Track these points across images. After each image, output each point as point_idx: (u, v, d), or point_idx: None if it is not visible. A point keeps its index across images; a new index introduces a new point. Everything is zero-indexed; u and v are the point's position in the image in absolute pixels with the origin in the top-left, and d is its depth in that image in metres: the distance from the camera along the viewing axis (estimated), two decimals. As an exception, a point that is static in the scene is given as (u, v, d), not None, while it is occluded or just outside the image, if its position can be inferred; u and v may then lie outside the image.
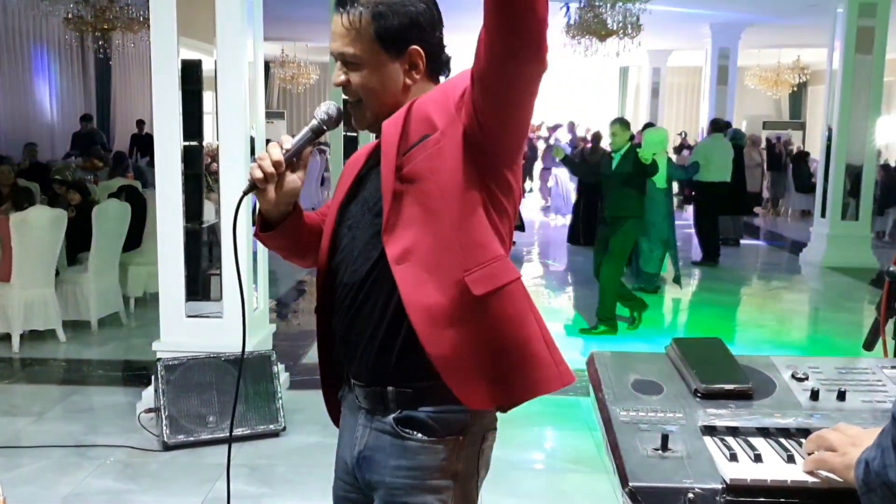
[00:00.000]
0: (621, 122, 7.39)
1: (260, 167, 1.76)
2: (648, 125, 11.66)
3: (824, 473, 1.28)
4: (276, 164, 1.76)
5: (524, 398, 1.74)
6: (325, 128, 1.82)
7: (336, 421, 2.00)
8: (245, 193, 1.81)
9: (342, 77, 1.80)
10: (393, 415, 1.76)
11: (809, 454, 1.33)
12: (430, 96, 1.76)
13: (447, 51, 1.85)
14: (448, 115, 1.70)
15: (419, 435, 1.74)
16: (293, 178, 1.81)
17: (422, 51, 1.76)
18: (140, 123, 15.69)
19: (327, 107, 1.82)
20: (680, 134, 21.40)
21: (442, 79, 1.86)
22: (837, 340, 7.39)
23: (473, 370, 1.71)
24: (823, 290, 10.02)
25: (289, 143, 1.79)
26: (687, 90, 24.68)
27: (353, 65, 1.77)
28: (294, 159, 1.79)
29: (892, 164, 15.47)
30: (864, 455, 1.19)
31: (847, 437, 1.29)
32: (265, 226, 1.89)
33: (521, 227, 11.91)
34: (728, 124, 12.45)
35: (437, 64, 1.82)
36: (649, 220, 8.34)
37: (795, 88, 21.43)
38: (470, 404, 1.72)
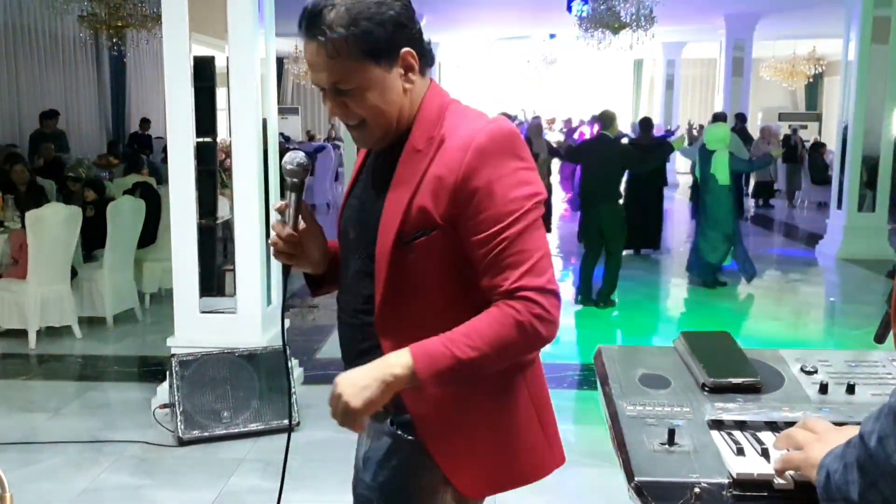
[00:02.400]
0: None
1: (280, 252, 1.81)
2: (718, 116, 11.60)
3: (790, 473, 1.27)
4: (289, 238, 1.78)
5: (513, 485, 1.78)
6: (299, 180, 1.79)
7: None
8: (286, 275, 1.87)
9: (339, 109, 1.70)
10: (391, 417, 1.77)
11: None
12: (433, 172, 1.65)
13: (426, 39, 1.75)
14: (441, 208, 1.64)
15: (411, 438, 1.76)
16: (308, 232, 1.83)
17: (413, 50, 1.68)
18: (144, 122, 15.71)
19: (291, 160, 1.79)
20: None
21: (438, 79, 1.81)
22: (853, 333, 7.34)
23: (461, 454, 1.74)
24: (840, 283, 9.95)
25: (283, 209, 1.80)
26: (702, 82, 24.56)
27: (346, 92, 1.66)
28: (298, 220, 1.80)
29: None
30: (827, 463, 1.18)
31: (812, 435, 1.27)
32: (314, 282, 1.96)
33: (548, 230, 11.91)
34: (725, 116, 12.38)
35: (426, 58, 1.72)
36: (712, 215, 8.43)
37: (811, 79, 21.30)
38: (459, 487, 1.75)
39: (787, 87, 22.13)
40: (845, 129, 10.93)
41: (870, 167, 10.78)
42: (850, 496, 1.12)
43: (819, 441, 1.24)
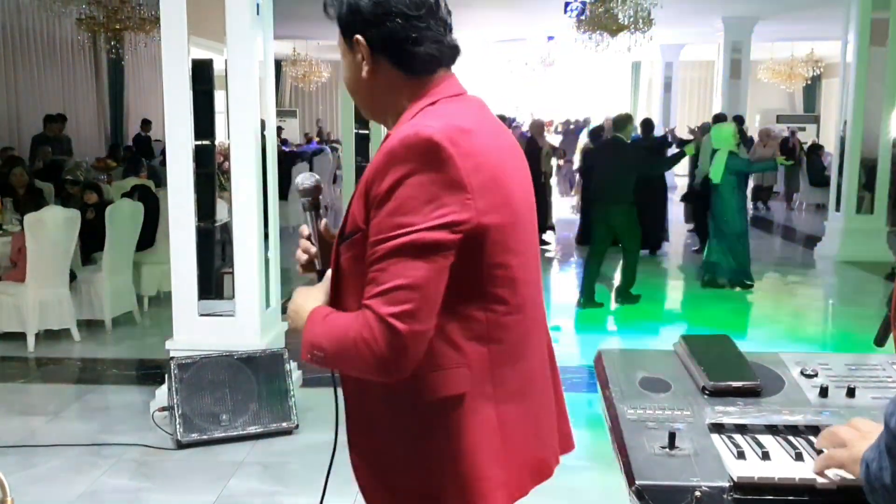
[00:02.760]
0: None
1: (308, 269, 1.86)
2: (717, 118, 11.63)
3: (833, 472, 1.27)
4: (316, 256, 1.83)
5: None
6: (311, 199, 1.84)
7: None
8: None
9: None
10: None
11: (820, 452, 1.32)
12: (365, 176, 1.61)
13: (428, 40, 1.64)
14: (362, 210, 1.60)
15: None
16: (328, 245, 1.82)
17: (363, 40, 1.63)
18: (145, 124, 15.69)
19: (301, 182, 1.83)
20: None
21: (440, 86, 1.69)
22: (853, 335, 7.34)
23: (395, 487, 1.69)
24: (838, 285, 9.96)
25: (306, 232, 1.85)
26: (700, 84, 24.57)
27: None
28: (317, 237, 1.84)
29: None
30: (866, 454, 1.18)
31: (857, 432, 1.26)
32: None
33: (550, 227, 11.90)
34: (725, 117, 12.38)
35: (401, 56, 1.63)
36: (718, 215, 8.58)
37: (809, 81, 21.30)
38: None
39: (785, 89, 22.13)
40: (844, 131, 10.94)
41: (868, 169, 10.79)
42: (885, 482, 1.12)
43: (863, 438, 1.23)
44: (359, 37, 1.63)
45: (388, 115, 1.71)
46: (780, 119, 21.87)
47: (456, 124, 1.55)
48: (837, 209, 11.07)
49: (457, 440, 1.59)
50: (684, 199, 12.74)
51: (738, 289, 8.80)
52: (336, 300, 1.69)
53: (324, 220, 1.84)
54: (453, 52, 1.69)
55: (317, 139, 21.08)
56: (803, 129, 20.90)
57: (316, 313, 1.62)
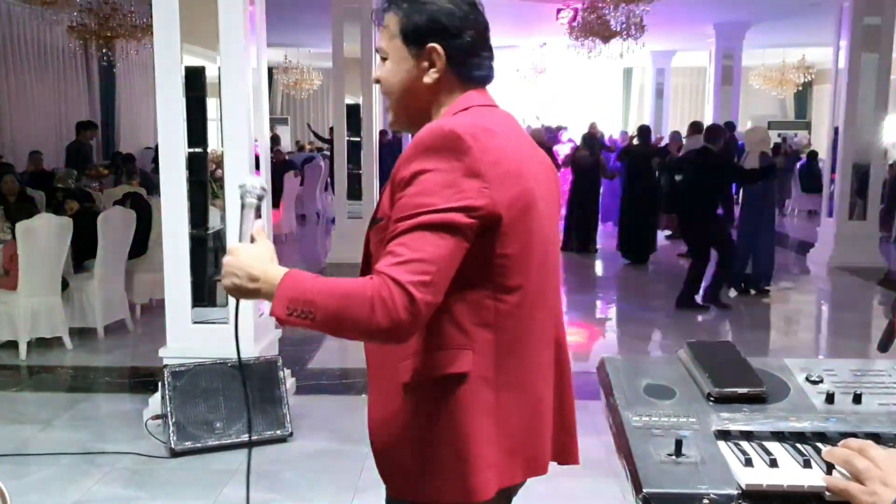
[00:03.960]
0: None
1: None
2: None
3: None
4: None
5: (444, 499, 1.72)
6: (258, 203, 1.85)
7: None
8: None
9: (376, 72, 1.83)
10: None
11: (828, 465, 1.28)
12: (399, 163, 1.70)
13: (485, 58, 1.80)
14: (389, 197, 1.69)
15: None
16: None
17: (440, 49, 1.73)
18: (84, 128, 15.54)
19: (255, 185, 1.85)
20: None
21: (481, 92, 1.81)
22: (847, 342, 7.35)
23: (396, 454, 1.76)
24: (831, 291, 9.98)
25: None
26: (691, 91, 24.64)
27: (383, 59, 1.80)
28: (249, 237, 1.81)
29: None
30: None
31: (877, 471, 1.20)
32: None
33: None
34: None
35: (465, 68, 1.77)
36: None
37: (800, 88, 21.39)
38: (389, 489, 1.80)
39: (776, 95, 22.23)
40: (835, 137, 10.96)
41: (860, 175, 10.82)
42: None
43: (885, 485, 1.18)
44: (436, 46, 1.73)
45: (424, 121, 1.77)
46: (771, 125, 21.94)
47: (480, 124, 1.68)
48: (830, 215, 11.10)
49: (455, 416, 1.68)
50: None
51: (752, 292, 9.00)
52: None
53: (260, 222, 1.84)
54: (493, 70, 1.84)
55: (308, 146, 21.02)
56: (795, 136, 20.96)
57: (296, 273, 1.61)
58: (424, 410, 1.70)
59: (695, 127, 11.72)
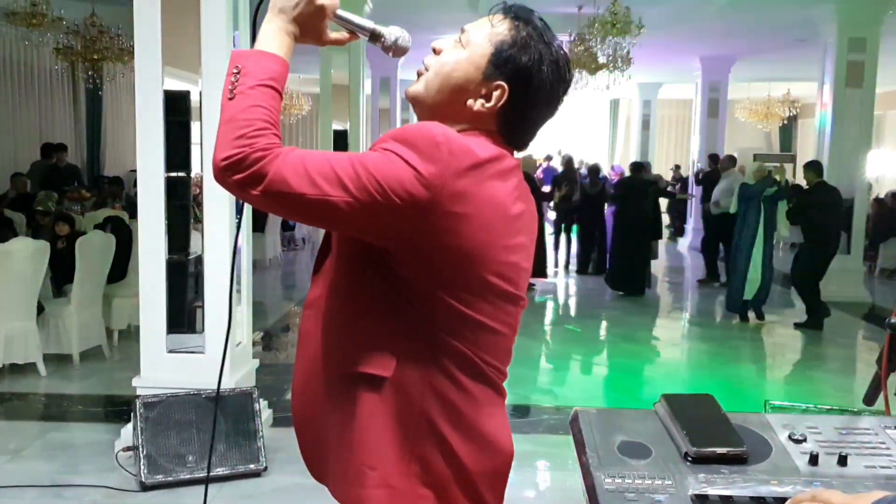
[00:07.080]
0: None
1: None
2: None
3: None
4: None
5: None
6: (377, 36, 1.72)
7: None
8: None
9: (440, 45, 1.67)
10: None
11: None
12: None
13: (529, 134, 1.68)
14: None
15: None
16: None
17: (507, 92, 1.60)
18: (55, 150, 15.45)
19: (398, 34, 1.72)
20: (672, 168, 21.36)
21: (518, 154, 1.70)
22: (832, 378, 7.31)
23: (317, 447, 1.76)
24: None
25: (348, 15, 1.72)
26: (677, 123, 24.75)
27: (458, 43, 1.64)
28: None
29: (883, 197, 15.46)
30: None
31: (846, 496, 1.15)
32: None
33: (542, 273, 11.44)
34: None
35: (508, 126, 1.64)
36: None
37: (786, 121, 21.51)
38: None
39: (762, 128, 22.33)
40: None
41: (844, 210, 10.82)
42: None
43: (856, 499, 1.14)
44: (504, 85, 1.60)
45: (435, 118, 1.64)
46: (756, 158, 22.01)
47: (471, 148, 1.51)
48: (814, 249, 11.07)
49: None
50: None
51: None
52: (333, 283, 1.68)
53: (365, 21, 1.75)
54: (526, 147, 1.72)
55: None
56: (782, 169, 21.03)
57: (266, 59, 1.66)
58: (355, 408, 1.64)
59: (637, 167, 11.80)
